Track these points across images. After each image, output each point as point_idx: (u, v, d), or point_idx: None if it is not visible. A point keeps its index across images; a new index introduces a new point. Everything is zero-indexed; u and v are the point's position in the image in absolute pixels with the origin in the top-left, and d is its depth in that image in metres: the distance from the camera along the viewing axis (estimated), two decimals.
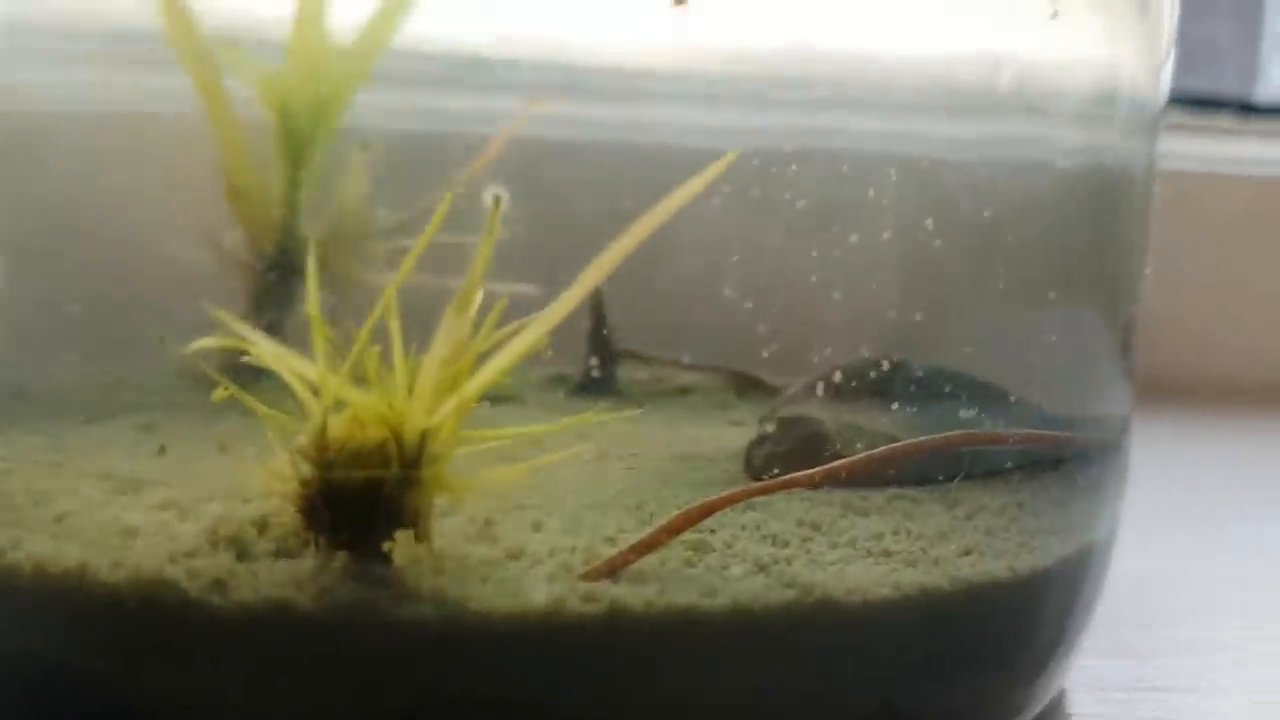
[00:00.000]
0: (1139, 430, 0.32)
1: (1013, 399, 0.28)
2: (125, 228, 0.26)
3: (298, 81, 0.25)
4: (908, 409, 0.27)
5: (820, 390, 0.28)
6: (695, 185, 0.20)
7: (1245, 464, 0.53)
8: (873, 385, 0.27)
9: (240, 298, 0.26)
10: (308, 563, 0.20)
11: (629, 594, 0.20)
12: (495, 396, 0.28)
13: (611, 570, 0.20)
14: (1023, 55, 0.27)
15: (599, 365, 0.32)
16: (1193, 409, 0.61)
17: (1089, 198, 0.28)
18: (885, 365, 0.27)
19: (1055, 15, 0.27)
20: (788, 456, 0.27)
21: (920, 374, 0.27)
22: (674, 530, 0.21)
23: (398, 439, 0.19)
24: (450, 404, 0.19)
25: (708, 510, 0.21)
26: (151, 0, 0.23)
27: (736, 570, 0.22)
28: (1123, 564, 0.32)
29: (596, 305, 0.31)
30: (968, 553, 0.24)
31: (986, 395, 0.28)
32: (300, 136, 0.26)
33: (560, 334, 0.29)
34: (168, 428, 0.26)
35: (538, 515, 0.22)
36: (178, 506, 0.22)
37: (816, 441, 0.27)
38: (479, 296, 0.20)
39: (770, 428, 0.28)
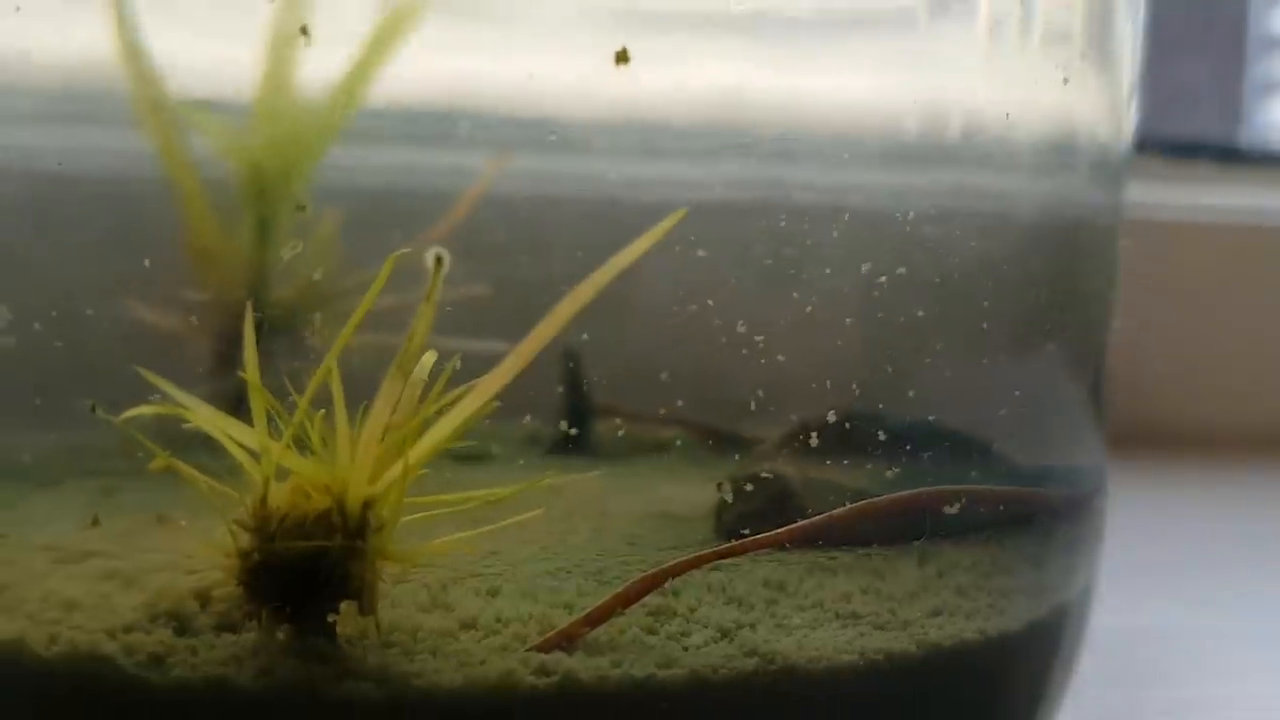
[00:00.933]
0: (1122, 483, 0.32)
1: (991, 450, 0.27)
2: (90, 289, 0.26)
3: (266, 140, 0.25)
4: (882, 464, 0.26)
5: (791, 446, 0.27)
6: (643, 243, 0.20)
7: (1231, 517, 0.52)
8: (845, 440, 0.27)
9: (207, 360, 0.26)
10: (249, 638, 0.19)
11: (583, 666, 0.19)
12: (468, 456, 0.27)
13: (563, 641, 0.19)
14: (974, 104, 0.26)
15: (576, 422, 0.31)
16: (1172, 460, 0.60)
17: (1047, 247, 0.28)
18: (857, 420, 0.27)
19: (1067, 82, 0.27)
20: (757, 516, 0.26)
21: (895, 428, 0.27)
22: (627, 599, 0.20)
23: (340, 508, 0.18)
24: (394, 470, 0.18)
25: (662, 577, 0.21)
26: (114, 59, 0.23)
27: (698, 638, 0.21)
28: (1111, 621, 0.32)
29: (573, 362, 0.30)
30: (938, 614, 0.23)
31: (964, 448, 0.27)
32: (270, 196, 0.26)
33: (538, 391, 0.29)
34: (129, 494, 0.25)
35: (495, 581, 0.22)
36: (122, 577, 0.22)
37: (786, 500, 0.27)
38: (429, 359, 0.20)
39: (740, 486, 0.27)
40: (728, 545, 0.22)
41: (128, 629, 0.20)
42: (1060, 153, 0.28)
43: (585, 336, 0.26)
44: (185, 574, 0.21)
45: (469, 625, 0.20)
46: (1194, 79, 0.72)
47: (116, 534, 0.23)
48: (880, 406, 0.27)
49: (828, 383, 0.27)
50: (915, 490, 0.25)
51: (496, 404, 0.19)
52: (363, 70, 0.23)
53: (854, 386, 0.27)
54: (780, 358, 0.27)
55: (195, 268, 0.26)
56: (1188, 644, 0.36)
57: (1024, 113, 0.27)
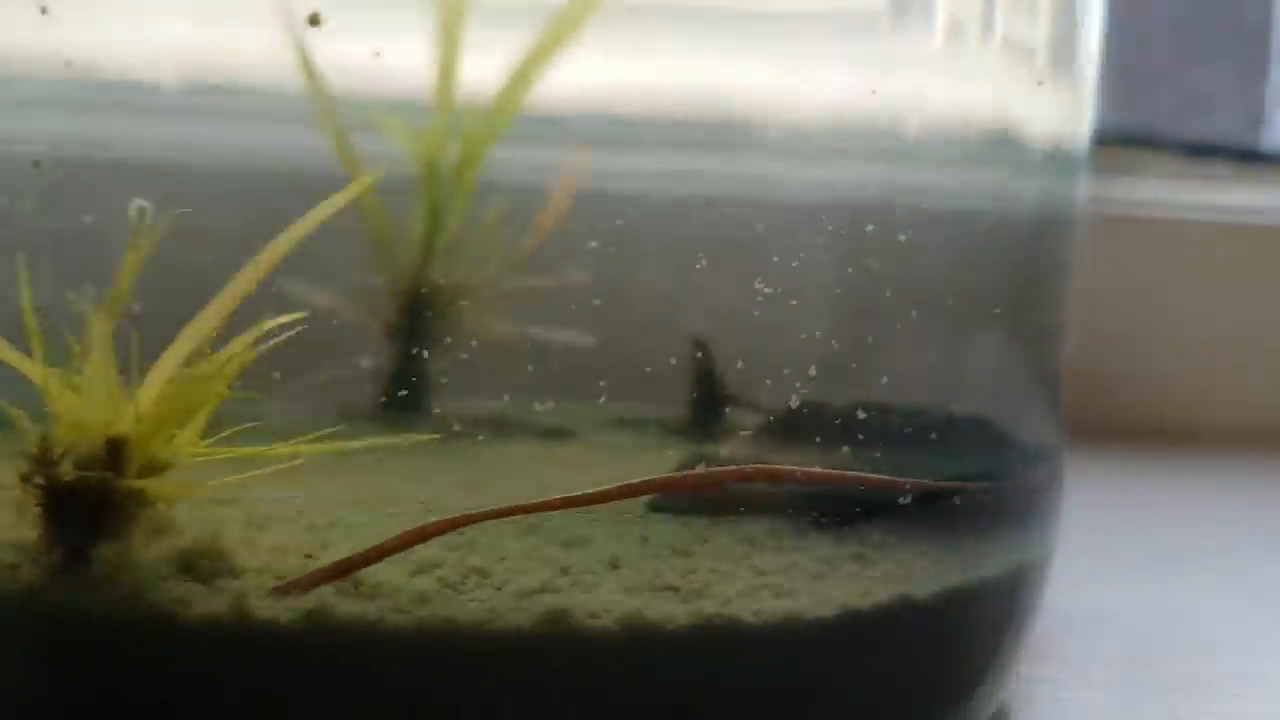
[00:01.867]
0: (1136, 473, 0.31)
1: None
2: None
3: (440, 135, 0.27)
4: (847, 450, 0.27)
5: (752, 431, 0.28)
6: (335, 203, 0.21)
7: (1238, 506, 0.51)
8: (795, 426, 0.27)
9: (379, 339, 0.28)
10: (47, 559, 0.21)
11: (338, 604, 0.21)
12: (549, 433, 0.29)
13: (315, 582, 0.21)
14: (922, 98, 0.26)
15: (701, 408, 0.32)
16: (1190, 456, 0.59)
17: (992, 240, 0.28)
18: (819, 408, 0.27)
19: (1041, 84, 0.27)
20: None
21: (872, 415, 0.27)
22: (388, 550, 0.21)
23: (110, 446, 0.20)
24: (129, 412, 0.20)
25: (430, 532, 0.21)
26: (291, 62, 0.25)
27: (481, 593, 0.22)
28: (1113, 602, 0.31)
29: (703, 352, 0.31)
30: (757, 591, 0.23)
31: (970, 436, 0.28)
32: (444, 190, 0.28)
33: (636, 378, 0.30)
34: None
35: (326, 535, 0.23)
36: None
37: None
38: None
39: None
40: (549, 500, 0.23)
41: None
42: (1010, 149, 0.28)
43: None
44: None
45: (258, 567, 0.22)
46: (1216, 83, 0.70)
47: None
48: (840, 395, 0.27)
49: (785, 373, 0.27)
50: (777, 465, 0.26)
51: (252, 354, 0.20)
52: (528, 69, 0.25)
53: (810, 376, 0.27)
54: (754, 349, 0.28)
55: (372, 253, 0.29)
56: (1203, 624, 0.36)
57: (981, 111, 0.27)
